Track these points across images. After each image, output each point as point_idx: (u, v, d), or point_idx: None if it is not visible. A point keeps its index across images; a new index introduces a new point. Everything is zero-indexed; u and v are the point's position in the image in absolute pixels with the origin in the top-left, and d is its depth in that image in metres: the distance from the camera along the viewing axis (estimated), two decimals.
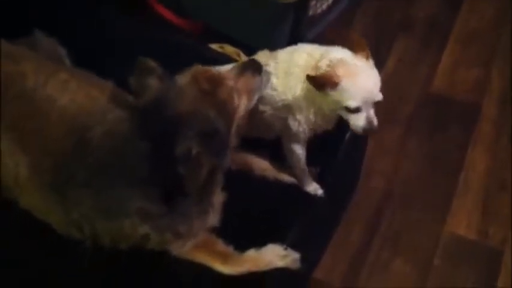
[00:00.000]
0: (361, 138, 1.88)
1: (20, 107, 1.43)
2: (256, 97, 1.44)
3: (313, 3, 2.23)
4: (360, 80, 1.39)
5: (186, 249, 1.42)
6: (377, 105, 1.43)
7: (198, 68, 1.38)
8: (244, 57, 1.71)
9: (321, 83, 1.40)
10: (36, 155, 1.39)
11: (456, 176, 2.24)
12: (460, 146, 2.31)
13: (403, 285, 1.99)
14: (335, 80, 1.38)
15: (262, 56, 1.57)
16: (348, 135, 1.67)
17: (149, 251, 1.40)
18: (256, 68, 1.44)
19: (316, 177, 1.66)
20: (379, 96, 1.42)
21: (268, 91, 1.52)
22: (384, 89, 2.43)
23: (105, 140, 1.33)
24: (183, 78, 1.35)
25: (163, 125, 1.29)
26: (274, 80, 1.51)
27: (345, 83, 1.38)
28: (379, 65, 2.51)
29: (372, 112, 1.42)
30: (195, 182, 1.28)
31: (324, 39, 2.32)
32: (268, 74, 1.48)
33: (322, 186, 1.65)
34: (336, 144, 1.68)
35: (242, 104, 1.39)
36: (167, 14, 2.21)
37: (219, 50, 1.81)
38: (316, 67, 1.43)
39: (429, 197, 2.20)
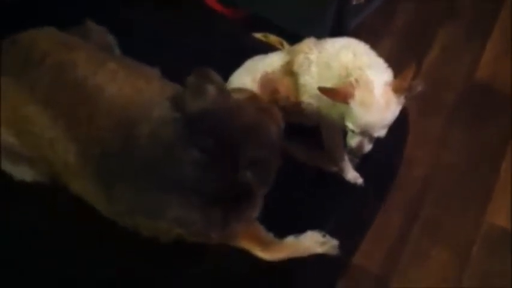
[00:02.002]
0: (402, 126, 1.90)
1: (71, 95, 1.46)
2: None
3: None
4: (368, 112, 1.40)
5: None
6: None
7: (252, 91, 1.43)
8: (287, 46, 1.74)
9: (334, 98, 1.42)
10: (85, 143, 1.41)
11: (498, 165, 2.23)
12: (503, 136, 2.30)
13: (441, 273, 2.00)
14: (348, 98, 1.40)
15: (307, 43, 1.58)
16: None
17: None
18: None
19: (357, 166, 1.68)
20: (380, 133, 1.44)
21: (307, 77, 1.55)
22: (426, 77, 2.47)
23: (151, 141, 1.34)
24: (238, 94, 1.39)
25: (224, 135, 1.30)
26: (314, 68, 1.53)
27: (354, 105, 1.40)
28: (423, 53, 2.55)
29: (366, 141, 1.45)
30: (265, 185, 1.33)
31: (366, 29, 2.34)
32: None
33: (362, 174, 1.66)
34: None
35: None
36: (211, 2, 2.24)
37: (263, 39, 1.83)
38: (348, 73, 1.44)
39: (470, 186, 2.19)
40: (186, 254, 1.46)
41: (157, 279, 1.44)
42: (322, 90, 1.42)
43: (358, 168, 1.68)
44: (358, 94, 1.39)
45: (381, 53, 2.39)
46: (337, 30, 2.16)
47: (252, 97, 1.40)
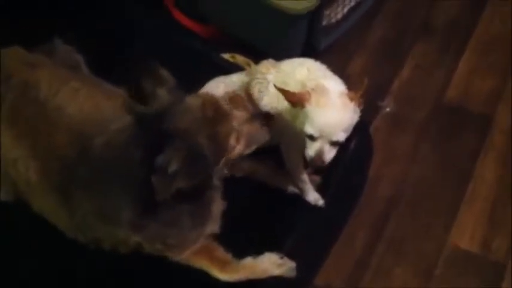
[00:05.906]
0: (367, 147, 1.92)
1: (34, 114, 1.48)
2: (254, 147, 1.46)
3: (327, 13, 2.25)
4: (325, 113, 1.43)
5: (185, 256, 1.47)
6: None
7: (211, 95, 1.41)
8: (254, 67, 1.76)
9: (290, 99, 1.46)
10: (45, 161, 1.44)
11: (465, 186, 2.24)
12: (471, 155, 2.31)
13: None
14: (303, 101, 1.44)
15: (265, 65, 1.63)
16: (352, 143, 1.70)
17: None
18: (267, 121, 1.47)
19: (318, 187, 1.69)
20: (338, 137, 1.45)
21: (265, 97, 1.58)
22: (397, 95, 2.49)
23: (105, 148, 1.36)
24: (192, 99, 1.36)
25: (157, 135, 1.29)
26: (271, 88, 1.55)
27: (311, 109, 1.44)
28: (396, 70, 2.57)
29: (326, 148, 1.46)
30: (162, 195, 1.26)
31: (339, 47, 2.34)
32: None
33: (325, 195, 1.67)
34: (339, 152, 1.71)
35: (238, 148, 1.40)
36: (183, 19, 2.25)
37: (231, 59, 1.85)
38: (304, 85, 1.48)
39: (436, 205, 2.20)
40: None
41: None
42: (280, 90, 1.46)
43: (320, 189, 1.69)
44: (315, 98, 1.44)
45: (353, 71, 2.45)
46: (309, 50, 2.18)
47: (203, 103, 1.35)
